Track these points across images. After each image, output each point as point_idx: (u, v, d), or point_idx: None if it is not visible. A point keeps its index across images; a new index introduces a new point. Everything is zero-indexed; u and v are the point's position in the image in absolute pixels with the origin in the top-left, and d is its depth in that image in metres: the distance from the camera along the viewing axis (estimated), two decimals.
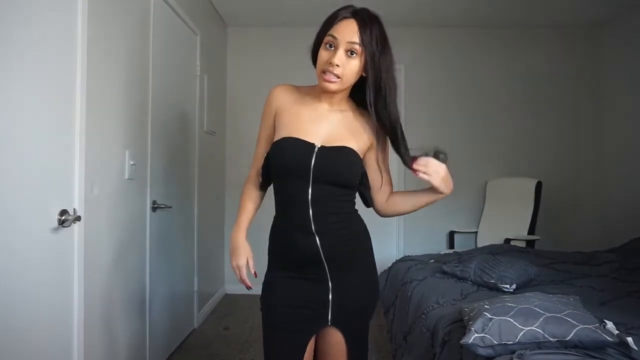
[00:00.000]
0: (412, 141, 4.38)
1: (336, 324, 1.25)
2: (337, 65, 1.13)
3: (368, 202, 1.32)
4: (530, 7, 3.59)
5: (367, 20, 1.15)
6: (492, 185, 3.93)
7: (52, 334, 1.50)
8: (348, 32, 1.13)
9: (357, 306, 1.27)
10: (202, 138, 3.27)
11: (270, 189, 1.34)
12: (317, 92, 1.25)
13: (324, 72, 1.15)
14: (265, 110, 1.30)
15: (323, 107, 1.25)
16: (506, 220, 3.65)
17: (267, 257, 1.32)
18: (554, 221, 3.93)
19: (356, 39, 1.13)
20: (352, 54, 1.14)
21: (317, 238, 1.19)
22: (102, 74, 1.80)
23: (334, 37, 1.14)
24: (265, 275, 1.32)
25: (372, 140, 1.28)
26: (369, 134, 1.26)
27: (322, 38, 1.18)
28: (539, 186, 3.56)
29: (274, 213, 1.30)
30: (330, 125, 1.23)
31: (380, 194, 1.32)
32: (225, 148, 4.05)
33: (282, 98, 1.28)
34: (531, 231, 3.47)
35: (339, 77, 1.14)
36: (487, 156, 4.05)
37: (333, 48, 1.14)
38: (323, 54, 1.15)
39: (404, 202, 1.31)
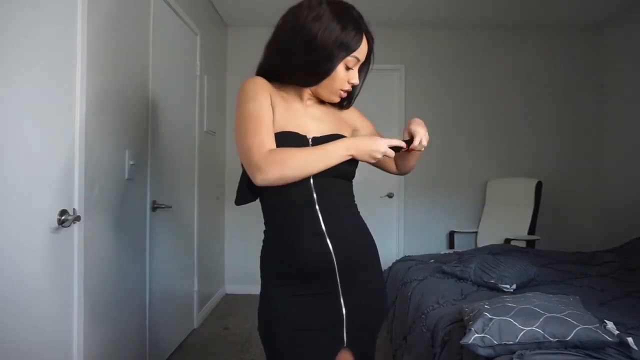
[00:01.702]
0: None
1: (350, 344, 1.12)
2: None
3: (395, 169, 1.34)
4: (530, 7, 3.59)
5: (371, 34, 1.16)
6: (492, 185, 3.93)
7: (52, 333, 1.50)
8: (364, 52, 1.14)
9: (372, 320, 1.18)
10: (202, 138, 3.27)
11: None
12: (290, 89, 1.19)
13: (343, 90, 1.16)
14: (259, 93, 1.10)
15: (306, 104, 1.20)
16: (506, 220, 3.65)
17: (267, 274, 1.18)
18: (554, 221, 3.93)
19: (365, 58, 1.16)
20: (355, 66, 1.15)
21: (328, 240, 1.08)
22: (102, 73, 1.80)
23: (358, 60, 1.13)
24: (261, 296, 1.16)
25: (354, 124, 1.28)
26: (348, 119, 1.27)
27: (342, 52, 1.09)
28: (539, 186, 3.56)
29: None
30: (313, 120, 1.19)
31: (391, 164, 1.32)
32: (225, 148, 4.05)
33: (270, 90, 1.14)
34: (531, 231, 3.47)
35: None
36: (487, 156, 4.05)
37: (351, 66, 1.13)
38: (343, 74, 1.13)
39: (406, 160, 1.29)
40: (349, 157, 1.08)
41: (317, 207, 1.09)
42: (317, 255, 1.08)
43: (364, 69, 1.18)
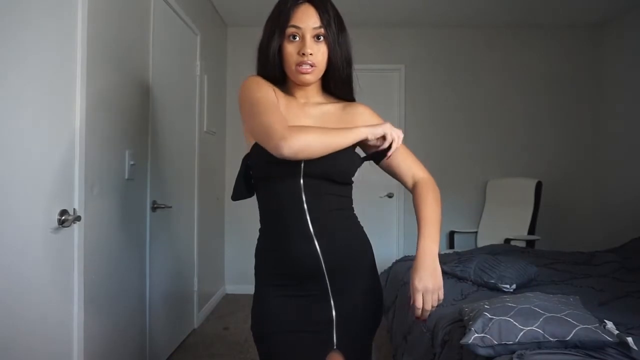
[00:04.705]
0: (413, 141, 4.32)
1: (341, 347, 1.12)
2: (310, 54, 1.09)
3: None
4: (530, 7, 3.59)
5: (322, 1, 1.12)
6: (492, 185, 3.93)
7: (52, 333, 1.50)
8: (309, 18, 1.09)
9: (363, 325, 1.16)
10: (202, 138, 3.27)
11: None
12: (288, 88, 1.19)
13: (298, 64, 1.10)
14: (263, 85, 1.13)
15: (299, 102, 1.19)
16: (506, 220, 3.65)
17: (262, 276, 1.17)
18: (554, 221, 3.93)
19: (319, 23, 1.10)
20: (319, 39, 1.11)
21: (316, 242, 1.08)
22: (102, 73, 1.80)
23: (298, 27, 1.09)
24: (254, 296, 1.17)
25: None
26: (357, 122, 1.19)
27: (277, 31, 1.11)
28: (539, 186, 3.56)
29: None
30: (311, 119, 1.17)
31: (406, 178, 1.22)
32: (225, 148, 4.05)
33: (272, 87, 1.16)
34: (531, 231, 3.47)
35: (313, 66, 1.11)
36: (487, 156, 4.05)
37: (298, 39, 1.10)
38: (290, 48, 1.10)
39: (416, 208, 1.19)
40: (366, 138, 1.09)
41: (305, 207, 1.08)
42: (306, 257, 1.08)
43: (328, 35, 1.11)
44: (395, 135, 1.11)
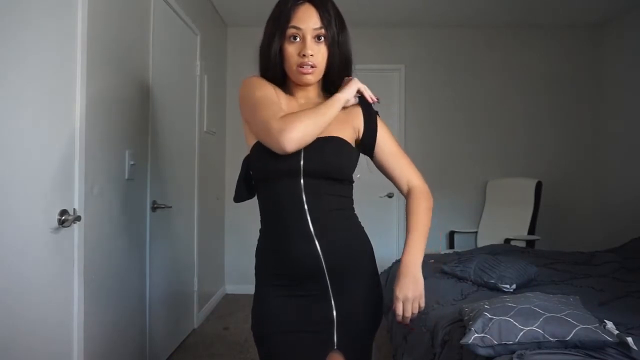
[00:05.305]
0: (413, 141, 4.31)
1: (341, 347, 1.12)
2: (311, 55, 1.10)
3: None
4: (530, 7, 3.59)
5: (322, 1, 1.12)
6: (492, 185, 3.93)
7: (52, 333, 1.50)
8: (310, 19, 1.09)
9: (363, 325, 1.16)
10: (202, 138, 3.27)
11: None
12: (289, 88, 1.19)
13: (299, 65, 1.10)
14: (264, 85, 1.14)
15: (299, 102, 1.18)
16: (506, 220, 3.65)
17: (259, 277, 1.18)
18: (554, 221, 3.93)
19: (319, 24, 1.10)
20: (320, 39, 1.11)
21: (316, 242, 1.08)
22: (102, 73, 1.80)
23: (298, 28, 1.09)
24: (254, 295, 1.18)
25: (359, 129, 1.20)
26: (356, 121, 1.19)
27: (277, 32, 1.11)
28: (539, 186, 3.56)
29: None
30: None
31: (400, 183, 1.23)
32: (225, 148, 4.05)
33: (273, 87, 1.16)
34: (531, 231, 3.47)
35: (314, 67, 1.11)
36: (487, 156, 4.05)
37: (299, 39, 1.10)
38: (291, 49, 1.11)
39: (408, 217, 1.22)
40: (346, 101, 1.14)
41: (305, 207, 1.08)
42: (306, 257, 1.08)
43: (329, 36, 1.11)
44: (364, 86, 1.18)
